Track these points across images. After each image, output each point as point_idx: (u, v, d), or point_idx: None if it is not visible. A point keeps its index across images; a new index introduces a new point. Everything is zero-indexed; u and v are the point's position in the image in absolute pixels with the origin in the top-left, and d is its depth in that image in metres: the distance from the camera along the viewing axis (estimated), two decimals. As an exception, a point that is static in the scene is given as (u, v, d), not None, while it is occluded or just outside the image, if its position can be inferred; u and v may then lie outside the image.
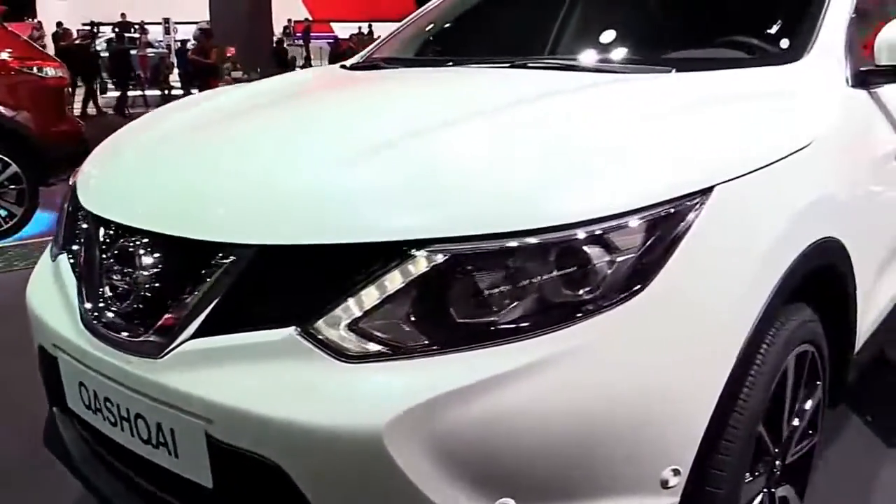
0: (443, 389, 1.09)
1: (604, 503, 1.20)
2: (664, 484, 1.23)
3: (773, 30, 1.92)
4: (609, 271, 1.15)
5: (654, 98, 1.55)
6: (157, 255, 1.33)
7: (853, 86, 1.83)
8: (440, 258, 1.13)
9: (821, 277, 1.62)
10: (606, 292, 1.15)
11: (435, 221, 1.15)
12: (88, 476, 1.60)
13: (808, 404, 1.68)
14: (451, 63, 2.21)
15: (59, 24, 17.00)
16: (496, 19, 2.55)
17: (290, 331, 1.17)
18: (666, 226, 1.18)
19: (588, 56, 2.02)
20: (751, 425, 1.37)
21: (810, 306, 1.62)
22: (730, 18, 2.04)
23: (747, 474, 1.43)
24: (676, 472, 1.23)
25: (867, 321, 1.94)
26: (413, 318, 1.14)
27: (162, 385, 1.27)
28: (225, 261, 1.24)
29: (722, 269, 1.25)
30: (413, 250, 1.14)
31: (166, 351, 1.27)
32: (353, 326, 1.15)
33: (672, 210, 1.19)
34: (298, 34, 26.75)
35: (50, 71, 5.01)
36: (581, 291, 1.14)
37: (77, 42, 14.67)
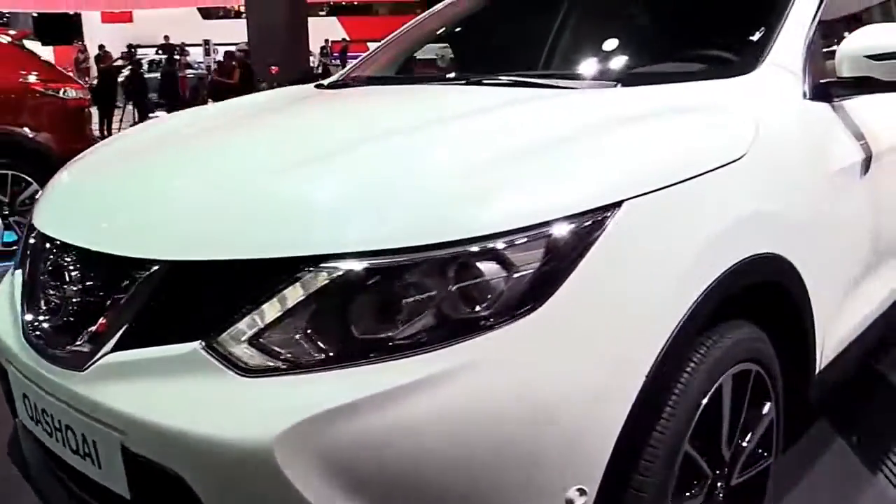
0: (334, 404, 1.10)
1: (503, 523, 1.18)
2: (570, 503, 1.21)
3: (728, 44, 1.90)
4: (506, 287, 1.15)
5: (580, 114, 1.54)
6: (84, 270, 1.37)
7: (813, 98, 1.81)
8: (337, 274, 1.14)
9: (764, 295, 1.59)
10: (503, 308, 1.14)
11: (332, 238, 1.17)
12: (40, 486, 1.65)
13: (758, 424, 1.64)
14: (416, 81, 2.24)
15: (101, 48, 17.56)
16: (463, 40, 2.57)
17: (196, 345, 1.19)
18: (567, 241, 1.18)
19: (542, 72, 2.02)
20: (675, 445, 1.35)
21: (755, 324, 1.59)
22: (689, 33, 2.03)
23: (678, 494, 1.40)
24: (582, 492, 1.21)
25: (833, 340, 1.89)
26: (311, 333, 1.15)
27: (84, 397, 1.30)
28: (140, 276, 1.27)
29: (630, 284, 1.23)
30: (311, 266, 1.15)
31: (89, 364, 1.30)
32: (254, 341, 1.17)
33: (573, 225, 1.18)
34: (336, 54, 27.18)
35: (71, 92, 5.18)
36: (477, 307, 1.14)
37: (115, 64, 15.12)
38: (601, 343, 1.20)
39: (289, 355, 1.16)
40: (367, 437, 1.10)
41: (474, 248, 1.14)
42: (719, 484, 1.55)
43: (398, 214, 1.19)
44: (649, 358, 1.24)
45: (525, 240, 1.16)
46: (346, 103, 2.05)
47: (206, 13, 30.51)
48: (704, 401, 1.41)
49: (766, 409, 1.65)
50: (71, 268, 1.39)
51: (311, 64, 21.70)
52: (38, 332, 1.44)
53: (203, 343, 1.19)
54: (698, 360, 1.40)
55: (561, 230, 1.17)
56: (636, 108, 1.56)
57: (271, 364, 1.16)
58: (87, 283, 1.36)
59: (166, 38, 23.35)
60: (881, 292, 2.14)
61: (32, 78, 5.19)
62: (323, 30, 27.63)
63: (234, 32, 22.64)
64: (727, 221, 1.40)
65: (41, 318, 1.44)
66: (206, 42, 23.44)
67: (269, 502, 1.12)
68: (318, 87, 2.41)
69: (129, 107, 14.53)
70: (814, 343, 1.77)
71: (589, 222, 1.20)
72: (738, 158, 1.45)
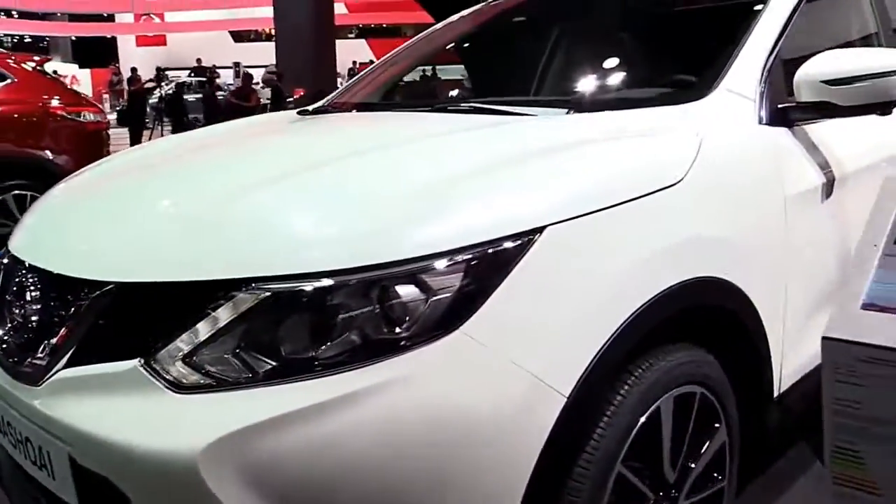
0: (256, 420, 1.15)
1: (425, 539, 1.22)
2: (489, 522, 1.24)
3: (685, 71, 1.94)
4: (424, 309, 1.19)
5: (518, 141, 1.59)
6: (44, 290, 1.45)
7: (771, 123, 1.83)
8: (264, 296, 1.20)
9: (710, 318, 1.61)
10: (421, 329, 1.19)
11: (260, 261, 1.22)
12: (11, 494, 1.72)
13: (706, 447, 1.65)
14: (389, 108, 2.30)
15: (133, 70, 18.04)
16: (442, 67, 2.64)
17: (136, 363, 1.25)
18: (485, 266, 1.22)
19: (503, 98, 2.07)
20: (606, 466, 1.38)
21: (702, 347, 1.61)
22: (649, 62, 2.07)
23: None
24: (501, 513, 1.24)
25: (793, 365, 1.89)
26: (240, 352, 1.21)
27: (39, 411, 1.37)
28: (91, 296, 1.34)
29: (550, 309, 1.27)
30: (240, 288, 1.21)
31: (43, 379, 1.37)
32: (188, 359, 1.22)
33: (491, 251, 1.23)
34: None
35: (89, 116, 5.35)
36: (397, 328, 1.19)
37: (145, 87, 15.52)
38: (519, 365, 1.23)
39: (219, 373, 1.21)
40: (288, 452, 1.15)
41: (395, 272, 1.19)
42: (663, 505, 1.57)
43: (323, 239, 1.24)
44: (570, 381, 1.27)
45: (444, 264, 1.20)
46: (311, 131, 2.12)
47: (237, 36, 31.15)
48: (640, 422, 1.44)
49: (716, 434, 1.66)
50: (33, 288, 1.47)
51: (339, 85, 22.07)
52: (3, 348, 1.51)
53: (142, 361, 1.25)
54: (632, 383, 1.43)
55: (479, 255, 1.22)
56: (576, 135, 1.60)
57: (203, 381, 1.21)
58: (46, 303, 1.44)
59: (199, 60, 23.87)
60: None
61: (54, 102, 5.39)
62: (352, 51, 28.03)
63: (264, 55, 23.03)
64: (658, 246, 1.42)
65: (6, 335, 1.52)
66: (236, 64, 23.91)
67: (193, 510, 1.17)
68: (300, 112, 2.49)
69: (160, 128, 14.89)
70: (770, 368, 1.78)
71: (508, 247, 1.24)
72: (674, 184, 1.48)
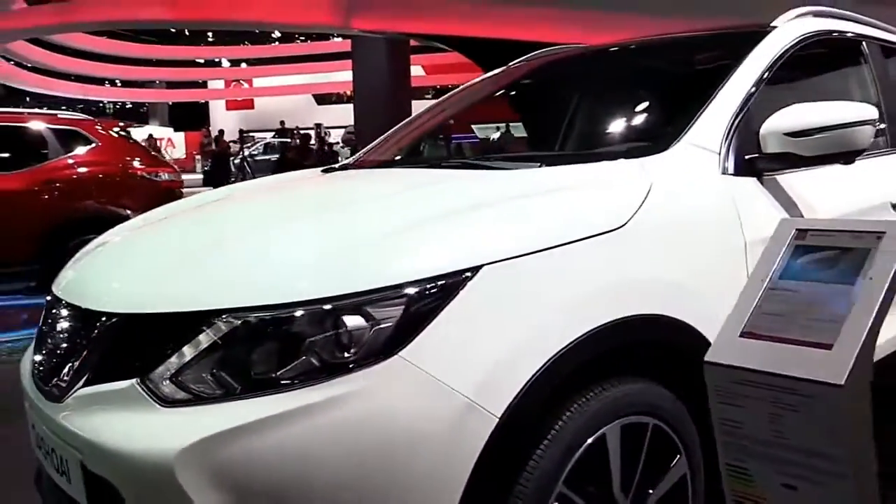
0: (222, 428, 1.35)
1: (370, 540, 1.38)
2: (425, 529, 1.39)
3: (654, 128, 2.09)
4: (369, 336, 1.38)
5: (479, 191, 1.77)
6: (70, 320, 1.71)
7: (738, 174, 1.95)
8: (235, 324, 1.41)
9: (661, 354, 1.72)
10: (366, 354, 1.37)
11: (233, 295, 1.44)
12: (46, 501, 1.96)
13: (666, 477, 1.74)
14: (398, 166, 2.53)
15: (220, 132, 19.21)
16: (444, 129, 2.87)
17: (134, 382, 1.48)
18: (424, 299, 1.40)
19: (491, 154, 2.27)
20: (546, 485, 1.50)
21: (656, 381, 1.71)
22: (626, 121, 2.23)
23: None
24: (436, 523, 1.39)
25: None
26: (215, 372, 1.42)
27: (60, 424, 1.61)
28: (104, 325, 1.58)
29: (484, 339, 1.42)
30: (215, 318, 1.43)
31: (65, 397, 1.61)
32: (174, 378, 1.44)
33: (430, 286, 1.40)
34: (440, 136, 28.26)
35: (164, 175, 5.85)
36: (345, 353, 1.38)
37: (228, 148, 16.52)
38: (452, 387, 1.39)
39: (198, 390, 1.42)
40: (250, 456, 1.34)
41: (344, 304, 1.39)
42: (616, 528, 1.66)
43: (286, 277, 1.46)
44: (502, 403, 1.41)
45: (387, 298, 1.39)
46: (320, 185, 2.36)
47: (320, 99, 32.64)
48: (585, 446, 1.56)
49: (674, 463, 1.75)
50: (62, 320, 1.73)
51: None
52: (39, 371, 1.77)
53: (139, 380, 1.47)
54: (575, 410, 1.55)
55: (419, 290, 1.40)
56: (528, 186, 1.78)
57: (185, 397, 1.42)
58: (72, 332, 1.70)
59: (282, 123, 25.12)
60: None
61: (136, 164, 5.92)
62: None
63: (344, 117, 24.05)
64: (594, 285, 1.56)
65: (42, 360, 1.78)
66: (318, 126, 25.00)
67: (172, 506, 1.37)
68: (325, 170, 2.75)
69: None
70: None
71: (446, 284, 1.42)
72: (615, 229, 1.62)
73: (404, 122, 3.04)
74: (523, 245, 1.50)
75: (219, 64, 32.73)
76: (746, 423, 1.17)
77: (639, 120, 2.19)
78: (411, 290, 1.40)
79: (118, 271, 1.74)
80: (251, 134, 24.25)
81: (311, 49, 28.52)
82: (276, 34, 29.87)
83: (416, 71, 21.96)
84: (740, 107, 2.05)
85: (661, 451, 1.73)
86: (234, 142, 18.46)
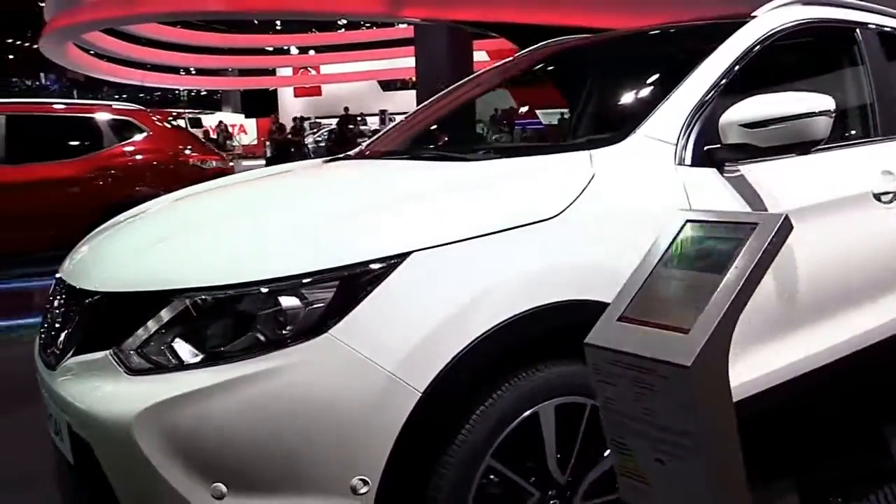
0: (173, 394, 1.51)
1: (304, 498, 1.52)
2: (354, 489, 1.53)
3: (614, 121, 2.15)
4: (302, 315, 1.52)
5: (426, 181, 1.90)
6: (66, 298, 1.91)
7: (696, 164, 2.00)
8: (189, 302, 1.58)
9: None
10: (300, 331, 1.51)
11: (189, 277, 1.61)
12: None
13: (607, 456, 1.82)
14: (390, 157, 2.67)
15: (294, 119, 19.75)
16: (439, 123, 2.99)
17: (108, 352, 1.66)
18: (355, 282, 1.53)
19: (459, 147, 2.38)
20: (473, 457, 1.62)
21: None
22: (591, 115, 2.30)
23: (488, 501, 1.65)
24: (365, 482, 1.53)
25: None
26: (172, 344, 1.59)
27: (54, 390, 1.81)
28: (89, 302, 1.78)
29: (409, 318, 1.54)
30: (173, 297, 1.59)
31: (58, 365, 1.82)
32: (139, 350, 1.62)
33: (361, 270, 1.54)
34: (504, 122, 28.26)
35: (212, 163, 6.14)
36: (283, 329, 1.52)
37: (288, 135, 17.02)
38: (377, 363, 1.52)
39: (158, 360, 1.59)
40: (198, 419, 1.50)
41: (283, 286, 1.53)
42: (553, 503, 1.76)
43: (232, 261, 1.61)
44: (422, 382, 1.53)
45: (320, 280, 1.53)
46: (299, 176, 2.52)
47: (385, 85, 33.01)
48: (516, 423, 1.67)
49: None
50: (61, 298, 1.94)
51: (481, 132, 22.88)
52: (42, 344, 1.99)
53: (112, 351, 1.66)
54: (506, 388, 1.66)
55: (350, 274, 1.54)
56: (479, 176, 1.89)
57: (147, 366, 1.60)
58: (67, 308, 1.90)
59: (346, 109, 25.55)
60: (789, 355, 2.19)
61: (187, 152, 6.23)
62: (495, 98, 28.79)
63: (409, 103, 24.30)
64: (524, 269, 1.65)
65: (45, 333, 2.00)
66: (382, 112, 25.33)
67: (132, 463, 1.54)
68: (331, 160, 2.91)
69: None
70: None
71: (375, 268, 1.55)
72: (549, 217, 1.71)
73: (409, 114, 3.17)
74: (454, 233, 1.62)
75: (287, 51, 33.47)
76: (621, 401, 1.26)
77: (607, 112, 2.26)
78: (342, 274, 1.54)
79: (104, 254, 1.94)
80: (318, 120, 24.75)
81: (377, 36, 28.86)
82: (343, 21, 30.30)
83: (480, 56, 21.99)
84: (703, 99, 2.09)
85: (600, 432, 1.81)
86: (297, 128, 18.98)
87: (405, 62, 25.74)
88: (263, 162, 17.47)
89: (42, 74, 38.47)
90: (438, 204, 1.72)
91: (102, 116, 6.11)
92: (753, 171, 2.10)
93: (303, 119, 21.78)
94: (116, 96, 37.19)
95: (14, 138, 5.81)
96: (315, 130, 21.12)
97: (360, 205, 1.74)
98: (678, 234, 1.34)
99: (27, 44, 31.86)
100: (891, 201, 2.50)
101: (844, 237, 2.35)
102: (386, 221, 1.66)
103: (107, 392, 1.62)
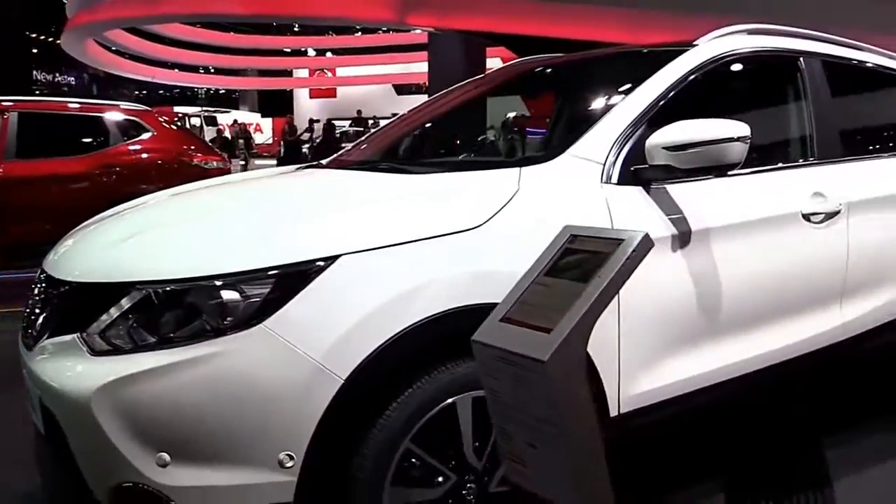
0: (127, 373, 1.72)
1: (237, 469, 1.73)
2: (281, 463, 1.73)
3: (554, 139, 2.35)
4: (241, 307, 1.73)
5: (365, 191, 2.10)
6: (45, 286, 2.13)
7: (623, 183, 2.19)
8: (145, 293, 1.79)
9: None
10: (238, 321, 1.72)
11: (144, 270, 1.82)
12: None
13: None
14: (353, 167, 2.87)
15: (311, 121, 20.12)
16: (404, 136, 3.21)
17: (75, 336, 1.87)
18: (288, 280, 1.74)
19: (413, 160, 2.58)
20: (392, 440, 1.81)
21: None
22: (537, 132, 2.49)
23: (406, 481, 1.85)
24: (291, 457, 1.73)
25: (634, 392, 2.18)
26: (129, 329, 1.80)
27: (30, 368, 2.03)
28: (62, 290, 2.00)
29: (336, 313, 1.75)
30: (131, 288, 1.80)
31: (35, 346, 2.03)
32: (101, 334, 1.83)
33: (294, 270, 1.74)
34: (515, 129, 28.50)
35: (213, 163, 6.39)
36: (224, 320, 1.73)
37: (300, 137, 17.36)
38: (305, 353, 1.72)
39: (117, 343, 1.80)
40: (147, 395, 1.71)
41: (225, 282, 1.74)
42: (470, 486, 1.95)
43: (184, 258, 1.82)
44: (345, 370, 1.73)
45: (257, 277, 1.74)
46: (273, 181, 2.74)
47: (399, 89, 33.33)
48: (433, 412, 1.86)
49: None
50: (40, 285, 2.16)
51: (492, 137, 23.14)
52: (24, 327, 2.21)
53: (79, 334, 1.87)
54: (425, 380, 1.86)
55: (283, 272, 1.74)
56: (412, 188, 2.09)
57: (107, 348, 1.81)
58: (45, 295, 2.12)
59: (358, 112, 25.87)
60: (713, 362, 2.37)
61: (188, 151, 6.48)
62: (507, 106, 29.03)
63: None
64: (445, 275, 1.84)
65: (27, 318, 2.21)
66: (394, 115, 25.52)
67: (90, 432, 1.75)
68: (305, 167, 3.12)
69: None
70: (601, 389, 2.11)
71: (307, 269, 1.75)
72: (471, 228, 1.90)
73: (382, 126, 3.38)
74: (381, 239, 1.82)
75: (305, 53, 33.87)
76: (501, 392, 1.45)
77: (551, 131, 2.45)
78: (278, 273, 1.74)
79: (79, 249, 2.16)
80: (331, 122, 25.02)
81: (392, 40, 29.19)
82: (359, 25, 30.63)
83: (495, 63, 22.23)
84: (633, 122, 2.27)
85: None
86: (306, 130, 19.31)
87: (420, 67, 26.04)
88: (275, 161, 17.87)
89: (63, 70, 39.18)
90: (372, 212, 1.93)
91: (111, 116, 6.39)
92: (679, 191, 2.27)
93: (313, 122, 22.11)
94: (137, 93, 37.79)
95: (26, 134, 6.08)
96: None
97: (304, 211, 1.96)
98: (562, 246, 1.52)
99: (50, 38, 32.46)
100: (821, 222, 2.67)
101: (769, 255, 2.52)
102: (321, 227, 1.87)
103: (72, 370, 1.83)
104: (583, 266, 1.44)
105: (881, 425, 3.25)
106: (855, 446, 3.08)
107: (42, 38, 33.76)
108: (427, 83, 23.93)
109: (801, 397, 3.64)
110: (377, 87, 32.66)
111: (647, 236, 1.43)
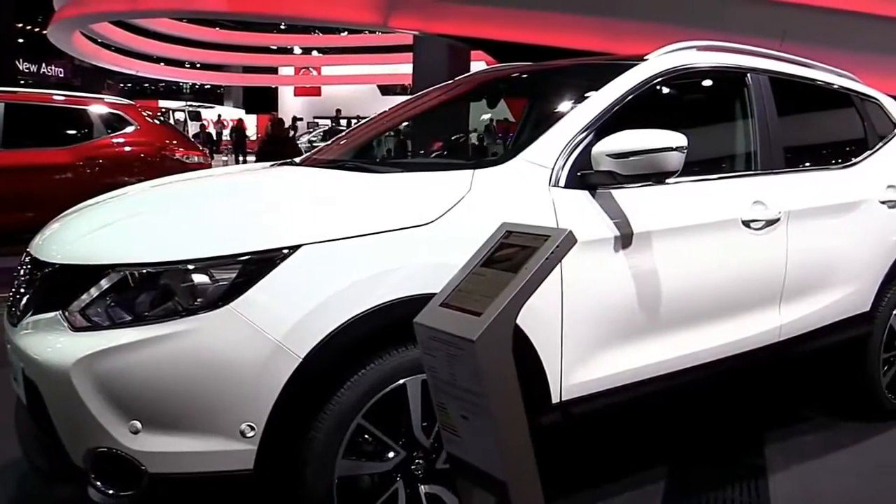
0: (103, 347, 1.89)
1: (202, 437, 1.90)
2: (243, 433, 1.90)
3: (511, 144, 2.53)
4: (210, 290, 1.90)
5: (328, 187, 2.30)
6: (30, 268, 2.29)
7: (570, 186, 2.38)
8: (123, 275, 1.96)
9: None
10: (208, 302, 1.89)
11: (123, 254, 1.99)
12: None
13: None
14: (315, 165, 3.05)
15: (295, 119, 20.28)
16: (367, 135, 3.40)
17: (58, 313, 2.04)
18: (253, 266, 1.91)
19: (373, 159, 2.77)
20: (345, 416, 1.99)
21: None
22: (496, 137, 2.68)
23: (358, 454, 2.03)
24: (252, 428, 1.90)
25: (577, 381, 2.37)
26: (109, 308, 1.96)
27: (14, 342, 2.19)
28: (46, 271, 2.16)
29: (296, 297, 1.92)
30: (110, 270, 1.97)
31: (19, 322, 2.19)
32: (81, 312, 1.99)
33: (259, 257, 1.92)
34: (500, 133, 28.74)
35: (194, 158, 6.54)
36: (195, 301, 1.90)
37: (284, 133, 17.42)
38: (266, 333, 1.89)
39: (96, 320, 1.97)
40: (121, 367, 1.88)
41: (196, 266, 1.92)
42: (419, 462, 2.13)
43: (158, 243, 1.99)
44: (305, 348, 1.91)
45: (225, 263, 1.91)
46: (246, 176, 2.92)
47: (384, 89, 33.49)
48: (385, 391, 2.04)
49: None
50: (25, 266, 2.32)
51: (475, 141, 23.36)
52: (9, 304, 2.37)
53: (60, 312, 2.03)
54: (378, 362, 2.04)
55: (249, 259, 1.92)
56: (373, 186, 2.28)
57: (87, 325, 1.97)
58: (29, 276, 2.28)
59: (338, 111, 26.01)
60: (653, 356, 2.56)
61: (167, 145, 6.62)
62: (479, 111, 29.25)
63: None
64: (399, 265, 2.03)
65: (12, 297, 2.37)
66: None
67: (69, 401, 1.91)
68: (280, 164, 3.28)
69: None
70: (544, 379, 2.29)
71: (271, 256, 1.93)
72: (425, 223, 2.09)
73: (353, 127, 3.56)
74: (340, 231, 2.00)
75: (290, 51, 33.92)
76: (438, 368, 1.63)
77: (515, 136, 2.63)
78: (244, 259, 1.92)
79: (63, 233, 2.32)
80: (315, 120, 25.15)
81: (378, 41, 29.35)
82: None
83: (480, 66, 22.42)
84: (583, 130, 2.46)
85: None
86: (292, 127, 19.44)
87: (404, 68, 26.19)
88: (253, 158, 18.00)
89: (49, 60, 38.93)
90: (333, 207, 2.11)
91: (95, 109, 6.52)
92: (623, 195, 2.47)
93: (296, 120, 22.23)
94: (122, 86, 37.61)
95: (11, 125, 6.19)
96: (311, 130, 21.56)
97: (271, 203, 2.14)
98: (497, 240, 1.71)
99: (36, 29, 32.30)
100: (761, 228, 2.88)
101: (708, 258, 2.73)
102: (286, 218, 2.05)
103: (53, 344, 1.99)
104: (514, 258, 1.63)
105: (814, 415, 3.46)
106: (794, 439, 3.30)
107: (28, 27, 33.58)
108: (411, 84, 24.15)
109: (744, 392, 3.87)
110: (362, 87, 32.79)
111: (570, 233, 1.62)
